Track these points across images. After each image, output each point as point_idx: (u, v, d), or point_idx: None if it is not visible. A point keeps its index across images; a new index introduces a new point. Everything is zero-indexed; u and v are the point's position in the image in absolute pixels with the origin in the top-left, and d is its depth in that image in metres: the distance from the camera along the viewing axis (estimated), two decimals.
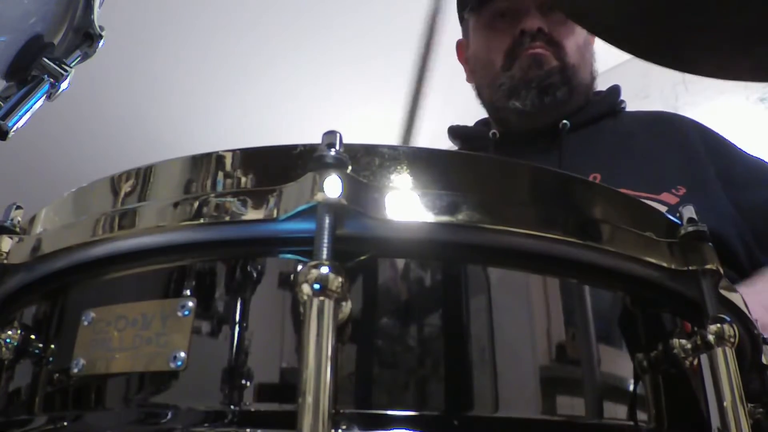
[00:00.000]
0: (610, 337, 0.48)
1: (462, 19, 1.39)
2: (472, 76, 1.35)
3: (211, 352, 0.42)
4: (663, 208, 1.06)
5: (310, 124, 3.50)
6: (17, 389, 0.49)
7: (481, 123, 1.38)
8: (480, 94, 1.33)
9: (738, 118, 2.72)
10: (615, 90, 1.33)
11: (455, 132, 1.37)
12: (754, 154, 1.24)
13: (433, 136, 1.24)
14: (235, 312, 0.43)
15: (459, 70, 1.39)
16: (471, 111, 1.38)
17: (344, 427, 0.38)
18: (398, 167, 0.44)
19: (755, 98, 2.82)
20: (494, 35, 1.26)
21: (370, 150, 0.44)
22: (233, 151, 0.46)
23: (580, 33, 1.26)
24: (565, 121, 1.22)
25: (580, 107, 1.26)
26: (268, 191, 0.43)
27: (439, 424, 0.40)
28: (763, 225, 1.12)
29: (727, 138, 1.26)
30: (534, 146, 1.22)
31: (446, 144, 1.43)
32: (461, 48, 1.39)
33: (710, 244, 0.49)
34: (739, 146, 1.25)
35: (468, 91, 1.37)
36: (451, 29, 1.41)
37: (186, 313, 0.42)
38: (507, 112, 1.24)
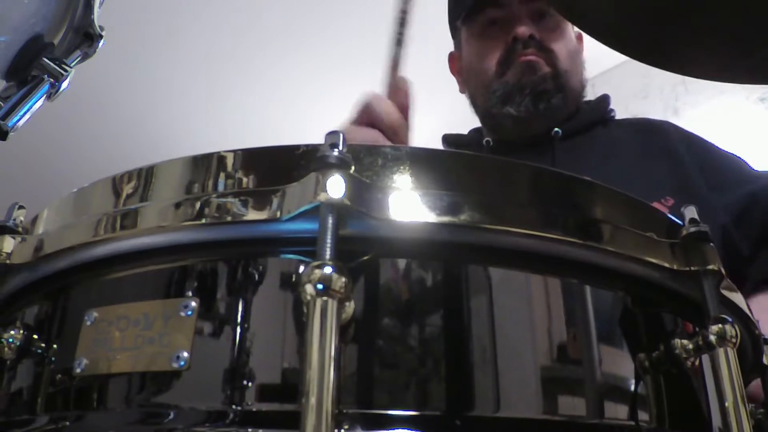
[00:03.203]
0: (611, 337, 0.48)
1: (454, 31, 1.39)
2: (466, 85, 1.35)
3: (214, 352, 0.42)
4: None
5: (312, 124, 3.50)
6: (19, 389, 0.49)
7: (474, 131, 1.39)
8: (474, 103, 1.34)
9: (738, 118, 2.72)
10: (605, 98, 1.35)
11: (450, 140, 1.38)
12: (732, 153, 1.26)
13: (428, 144, 1.24)
14: (238, 312, 0.43)
15: (452, 81, 1.40)
16: (467, 120, 1.38)
17: (346, 427, 0.38)
18: (401, 167, 0.44)
19: (755, 98, 2.82)
20: (487, 43, 1.27)
21: (373, 150, 0.44)
22: (235, 151, 0.46)
23: (570, 40, 1.28)
24: (557, 129, 1.23)
25: (571, 115, 1.27)
26: (270, 191, 0.43)
27: (440, 424, 0.40)
28: (749, 218, 1.12)
29: (708, 140, 1.27)
30: (526, 154, 1.23)
31: None
32: (453, 60, 1.40)
33: (711, 244, 0.49)
34: (718, 146, 1.26)
35: (461, 102, 1.37)
36: (445, 40, 1.41)
37: (188, 313, 0.42)
38: (501, 118, 1.25)
